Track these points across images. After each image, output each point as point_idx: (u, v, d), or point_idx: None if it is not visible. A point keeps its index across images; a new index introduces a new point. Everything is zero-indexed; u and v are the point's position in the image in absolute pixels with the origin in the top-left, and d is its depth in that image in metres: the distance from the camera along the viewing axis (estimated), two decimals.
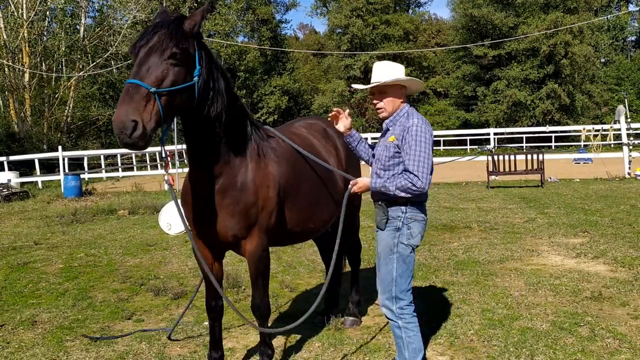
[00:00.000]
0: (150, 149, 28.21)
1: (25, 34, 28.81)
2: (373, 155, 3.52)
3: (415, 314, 3.29)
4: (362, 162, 4.22)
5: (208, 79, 3.08)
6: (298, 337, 4.38)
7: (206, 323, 3.86)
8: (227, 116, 3.22)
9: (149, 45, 2.80)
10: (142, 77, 2.73)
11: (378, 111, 3.41)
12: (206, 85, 3.06)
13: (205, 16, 3.02)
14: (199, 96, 3.00)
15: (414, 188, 3.11)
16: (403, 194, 3.14)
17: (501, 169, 15.04)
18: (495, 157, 15.31)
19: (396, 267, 3.23)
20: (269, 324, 3.90)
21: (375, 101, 3.41)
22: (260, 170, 3.38)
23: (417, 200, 3.24)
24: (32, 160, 21.82)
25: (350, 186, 3.45)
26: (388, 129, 3.36)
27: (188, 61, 2.91)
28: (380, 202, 3.29)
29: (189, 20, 2.97)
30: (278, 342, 4.28)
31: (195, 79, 2.95)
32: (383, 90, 3.35)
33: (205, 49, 3.10)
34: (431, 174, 3.21)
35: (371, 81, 3.38)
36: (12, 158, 20.85)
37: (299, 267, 6.69)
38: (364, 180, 3.39)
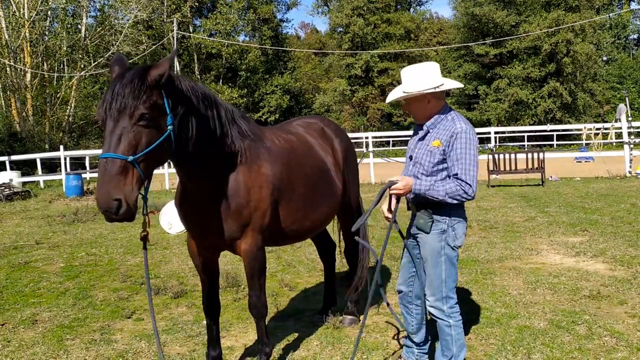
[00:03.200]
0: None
1: (27, 34, 28.88)
2: (410, 158, 3.39)
3: (460, 311, 3.36)
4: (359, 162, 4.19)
5: (182, 120, 2.95)
6: (296, 335, 4.40)
7: (205, 322, 3.88)
8: (209, 138, 3.16)
9: (116, 111, 2.64)
10: (115, 148, 2.61)
11: (413, 118, 3.38)
12: (181, 127, 2.95)
13: (172, 64, 2.81)
14: (177, 140, 2.91)
15: (465, 195, 3.07)
16: (451, 200, 3.09)
17: (502, 168, 15.04)
18: (496, 156, 15.31)
19: (444, 268, 3.27)
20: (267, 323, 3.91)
21: (407, 110, 3.38)
22: (252, 172, 3.39)
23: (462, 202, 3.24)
24: (34, 160, 21.87)
25: (389, 186, 3.21)
26: (428, 132, 3.27)
27: (159, 114, 2.76)
28: (422, 205, 3.26)
29: (155, 71, 2.73)
30: (276, 340, 4.30)
31: (169, 127, 2.81)
32: (412, 100, 3.27)
33: (174, 89, 2.91)
34: None
35: (402, 89, 3.26)
36: (14, 157, 20.91)
37: (299, 266, 6.71)
38: (407, 180, 3.16)
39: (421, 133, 3.33)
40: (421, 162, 3.28)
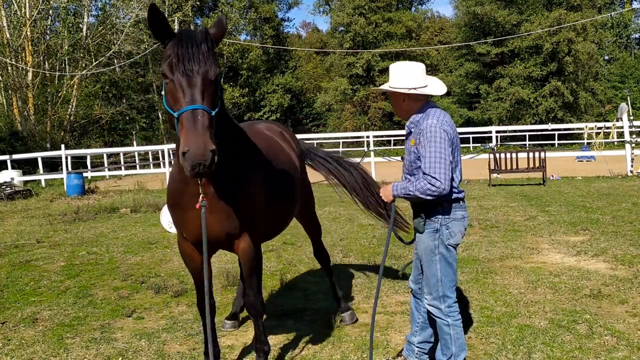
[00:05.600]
0: (152, 147, 28.35)
1: (28, 33, 28.93)
2: (401, 158, 3.52)
3: (459, 310, 3.36)
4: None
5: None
6: (296, 334, 4.40)
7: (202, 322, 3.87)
8: (226, 121, 3.19)
9: (197, 65, 2.66)
10: (203, 102, 2.61)
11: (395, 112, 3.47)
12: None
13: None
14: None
15: (433, 189, 3.06)
16: (424, 197, 3.10)
17: (503, 167, 15.01)
18: (497, 155, 15.29)
19: (440, 267, 3.26)
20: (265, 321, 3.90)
21: (391, 103, 3.47)
22: (254, 168, 3.40)
23: (455, 198, 3.23)
24: (35, 159, 21.91)
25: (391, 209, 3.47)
26: (410, 132, 3.33)
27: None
28: (416, 205, 3.30)
29: (216, 31, 2.84)
30: (277, 339, 4.30)
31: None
32: (391, 95, 3.37)
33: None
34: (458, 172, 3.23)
35: (388, 84, 3.34)
36: (15, 156, 20.93)
37: (299, 265, 6.70)
38: (385, 190, 3.37)
39: (406, 135, 3.41)
40: (405, 163, 3.34)
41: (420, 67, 3.30)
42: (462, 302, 4.99)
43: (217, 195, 3.24)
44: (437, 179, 3.05)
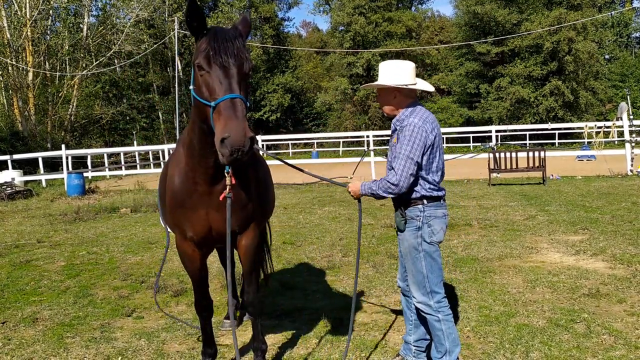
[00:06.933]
0: (152, 147, 28.37)
1: (29, 33, 28.96)
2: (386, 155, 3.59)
3: (449, 305, 3.38)
4: None
5: None
6: (295, 332, 4.42)
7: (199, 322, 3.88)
8: None
9: (233, 58, 2.76)
10: (240, 92, 2.71)
11: (381, 109, 3.53)
12: None
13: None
14: None
15: (389, 184, 3.18)
16: (385, 194, 3.22)
17: (503, 167, 15.01)
18: (497, 155, 15.28)
19: (425, 264, 3.30)
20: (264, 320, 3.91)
21: (378, 101, 3.53)
22: (258, 164, 3.44)
23: (435, 196, 3.28)
24: (36, 159, 21.93)
25: (343, 185, 3.60)
26: (395, 129, 3.38)
27: None
28: (397, 204, 3.36)
29: (244, 28, 3.01)
30: (276, 338, 4.32)
31: None
32: (381, 92, 3.42)
33: None
34: (436, 172, 3.28)
35: (380, 81, 3.40)
36: (16, 157, 20.94)
37: (298, 265, 6.72)
38: (353, 185, 3.41)
39: (391, 132, 3.46)
40: (389, 158, 3.39)
41: (412, 65, 3.39)
42: (461, 300, 5.01)
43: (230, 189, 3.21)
44: (395, 175, 3.17)
